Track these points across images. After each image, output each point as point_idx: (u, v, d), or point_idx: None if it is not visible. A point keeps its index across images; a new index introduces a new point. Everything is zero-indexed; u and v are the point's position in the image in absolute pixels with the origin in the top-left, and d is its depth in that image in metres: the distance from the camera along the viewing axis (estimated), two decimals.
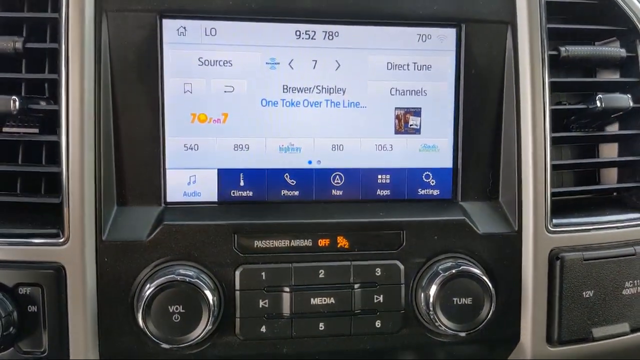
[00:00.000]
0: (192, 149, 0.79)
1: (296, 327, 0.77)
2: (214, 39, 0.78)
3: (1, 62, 0.78)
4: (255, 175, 0.81)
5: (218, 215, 0.77)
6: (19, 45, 0.74)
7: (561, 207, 0.85)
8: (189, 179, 0.80)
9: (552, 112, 0.82)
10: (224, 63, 0.79)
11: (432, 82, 0.83)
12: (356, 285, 0.78)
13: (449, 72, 0.83)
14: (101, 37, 0.75)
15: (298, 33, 0.80)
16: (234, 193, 0.81)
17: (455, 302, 0.77)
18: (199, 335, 0.72)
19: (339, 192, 0.83)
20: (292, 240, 0.77)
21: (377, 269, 0.78)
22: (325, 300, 0.77)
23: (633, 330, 0.85)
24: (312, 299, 0.77)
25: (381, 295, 0.78)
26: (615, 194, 0.92)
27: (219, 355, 0.76)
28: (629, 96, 0.86)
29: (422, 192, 0.84)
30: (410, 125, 0.83)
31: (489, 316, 0.77)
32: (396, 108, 0.83)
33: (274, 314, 0.76)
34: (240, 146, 0.80)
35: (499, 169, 0.83)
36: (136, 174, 0.77)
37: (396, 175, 0.83)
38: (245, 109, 0.79)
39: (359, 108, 0.82)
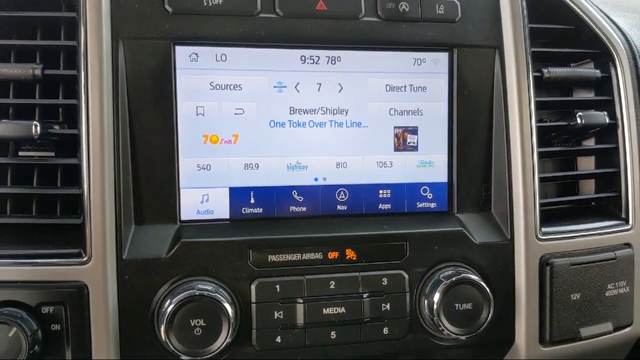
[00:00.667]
0: (204, 168, 0.83)
1: (309, 337, 0.81)
2: (224, 65, 0.82)
3: (11, 87, 0.81)
4: (264, 193, 0.85)
5: (232, 232, 0.81)
6: (38, 72, 0.77)
7: (547, 216, 0.91)
8: (202, 197, 0.83)
9: (537, 128, 0.89)
10: (234, 87, 0.83)
11: (428, 103, 0.89)
12: (365, 295, 0.82)
13: (443, 93, 0.89)
14: (118, 64, 0.78)
15: (303, 58, 0.85)
16: (245, 210, 0.84)
17: (457, 308, 0.82)
18: (219, 347, 0.75)
19: (344, 207, 0.87)
20: (304, 254, 0.81)
21: (383, 279, 0.83)
22: (336, 310, 0.81)
23: (616, 329, 0.92)
24: (324, 309, 0.81)
25: (388, 304, 0.83)
26: (593, 203, 0.99)
27: None
28: (605, 113, 0.94)
29: (420, 205, 0.90)
30: (408, 143, 0.89)
31: (488, 319, 0.83)
32: (395, 127, 0.88)
33: (288, 324, 0.80)
34: (251, 165, 0.84)
35: (490, 182, 0.89)
36: (152, 194, 0.80)
37: (396, 190, 0.89)
38: (254, 129, 0.84)
39: (361, 127, 0.87)
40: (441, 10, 0.87)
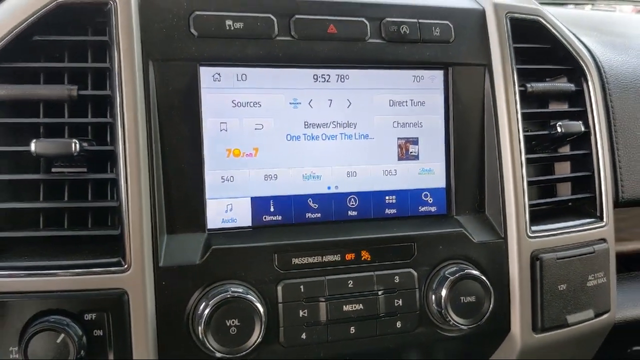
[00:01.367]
0: (228, 180, 0.89)
1: (331, 332, 0.88)
2: (244, 84, 0.89)
3: (41, 107, 0.85)
4: (283, 201, 0.92)
5: (257, 238, 0.87)
6: (74, 93, 0.82)
7: (533, 216, 1.01)
8: (226, 207, 0.89)
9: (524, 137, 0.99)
10: (253, 104, 0.90)
11: (427, 116, 0.98)
12: (380, 292, 0.90)
13: (440, 107, 0.98)
14: (149, 84, 0.83)
15: (315, 77, 0.92)
16: (265, 218, 0.91)
17: (462, 301, 0.91)
18: (253, 344, 0.81)
19: (354, 213, 0.95)
20: (324, 256, 0.88)
21: (395, 277, 0.91)
22: (355, 307, 0.88)
23: (597, 316, 1.02)
24: (344, 306, 0.88)
25: (400, 300, 0.91)
26: (570, 204, 1.10)
27: None
28: (581, 122, 1.05)
29: (422, 209, 0.98)
30: (410, 152, 0.97)
31: (489, 310, 0.92)
32: (398, 138, 0.96)
33: (312, 321, 0.87)
34: (270, 176, 0.91)
35: (484, 187, 0.99)
36: (182, 205, 0.85)
37: (401, 196, 0.97)
38: (273, 143, 0.90)
39: (368, 139, 0.95)
40: (437, 32, 0.96)
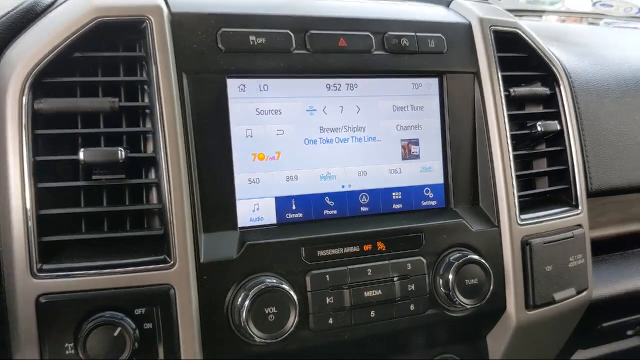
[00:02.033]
0: (254, 182, 0.97)
1: (354, 317, 0.97)
2: (267, 93, 0.97)
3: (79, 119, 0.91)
4: (303, 200, 1.00)
5: (284, 234, 0.96)
6: (115, 104, 0.88)
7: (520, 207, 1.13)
8: (253, 206, 0.97)
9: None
10: (275, 112, 0.98)
11: (425, 119, 1.08)
12: (395, 279, 0.99)
13: (436, 111, 1.09)
14: (184, 95, 0.91)
15: (328, 86, 1.02)
16: (288, 215, 0.99)
17: (466, 283, 1.01)
18: (289, 329, 0.89)
19: (366, 208, 1.04)
20: (345, 248, 0.97)
21: (407, 265, 1.01)
22: (374, 293, 0.98)
23: (578, 293, 1.15)
24: (365, 293, 0.97)
25: (412, 285, 1.01)
26: (548, 195, 1.23)
27: (297, 347, 0.94)
28: (556, 122, 1.18)
29: (424, 203, 1.09)
30: (412, 152, 1.08)
31: (490, 290, 1.03)
32: (402, 140, 1.07)
33: (337, 307, 0.95)
34: (291, 177, 0.99)
35: (477, 181, 1.10)
36: (216, 205, 0.93)
37: (405, 192, 1.07)
38: (293, 147, 0.99)
39: (376, 141, 1.05)
40: (432, 44, 1.07)
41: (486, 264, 1.03)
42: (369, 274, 0.98)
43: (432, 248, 1.03)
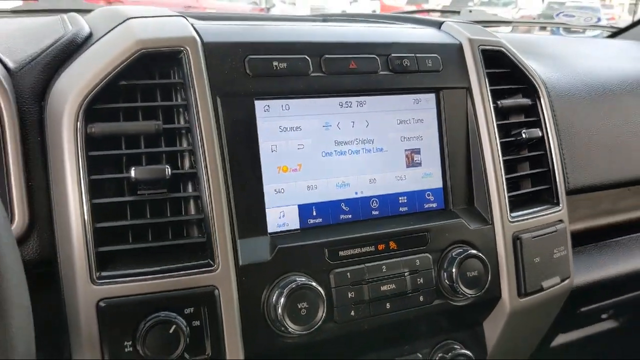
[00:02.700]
0: (280, 192, 1.08)
1: (372, 309, 1.09)
2: (288, 112, 1.09)
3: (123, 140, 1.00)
4: (323, 207, 1.12)
5: (309, 237, 1.07)
6: (160, 127, 0.98)
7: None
8: (279, 214, 1.08)
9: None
10: (295, 128, 1.10)
11: (425, 130, 1.21)
12: (406, 274, 1.12)
13: (434, 123, 1.22)
14: (218, 116, 1.01)
15: (341, 104, 1.14)
16: (309, 221, 1.11)
17: (468, 275, 1.15)
18: (319, 321, 1.01)
19: (377, 212, 1.17)
20: (362, 248, 1.09)
21: (416, 261, 1.13)
22: (389, 287, 1.10)
23: (562, 280, 1.30)
24: (381, 287, 1.09)
25: (421, 279, 1.13)
26: (531, 194, 1.37)
27: (324, 337, 1.05)
28: (538, 129, 1.33)
29: (426, 206, 1.22)
30: (415, 160, 1.21)
31: (488, 281, 1.16)
32: (405, 149, 1.19)
33: (358, 301, 1.07)
34: (311, 187, 1.11)
35: (472, 184, 1.24)
36: (248, 214, 1.04)
37: (410, 196, 1.20)
38: (312, 159, 1.11)
39: (383, 152, 1.17)
40: (430, 63, 1.20)
41: (484, 257, 1.16)
42: (383, 270, 1.10)
43: (437, 245, 1.16)
